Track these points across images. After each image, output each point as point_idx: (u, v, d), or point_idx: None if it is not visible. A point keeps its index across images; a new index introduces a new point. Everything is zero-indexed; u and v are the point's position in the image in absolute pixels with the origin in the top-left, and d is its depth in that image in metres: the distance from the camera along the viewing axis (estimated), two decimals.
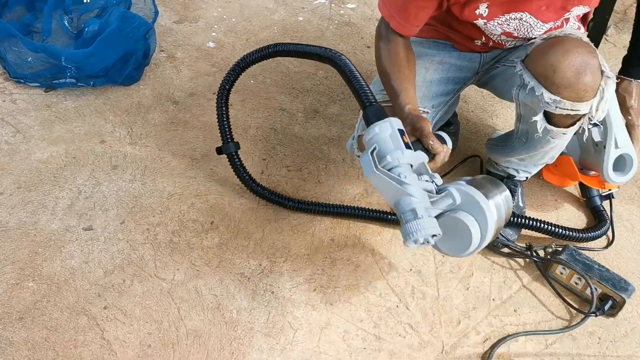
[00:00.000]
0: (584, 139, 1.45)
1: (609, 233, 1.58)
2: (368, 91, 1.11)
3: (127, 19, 1.84)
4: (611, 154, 1.43)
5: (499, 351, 1.31)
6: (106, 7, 1.92)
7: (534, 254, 1.47)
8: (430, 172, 1.09)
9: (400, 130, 1.06)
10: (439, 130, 1.69)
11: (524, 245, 1.49)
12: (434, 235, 1.01)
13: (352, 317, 1.35)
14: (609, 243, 1.57)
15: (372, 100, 1.11)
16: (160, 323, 1.31)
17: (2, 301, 1.31)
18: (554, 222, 1.51)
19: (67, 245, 1.44)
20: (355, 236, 1.53)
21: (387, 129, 1.06)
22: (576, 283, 1.42)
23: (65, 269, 1.39)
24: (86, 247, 1.44)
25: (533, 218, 1.49)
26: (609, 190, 1.61)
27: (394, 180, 1.02)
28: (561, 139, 1.31)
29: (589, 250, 1.54)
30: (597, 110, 1.24)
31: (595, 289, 1.39)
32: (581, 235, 1.50)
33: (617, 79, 1.45)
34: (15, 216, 1.49)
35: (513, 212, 1.52)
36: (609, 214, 1.60)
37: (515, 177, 1.56)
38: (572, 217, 1.64)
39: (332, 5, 2.39)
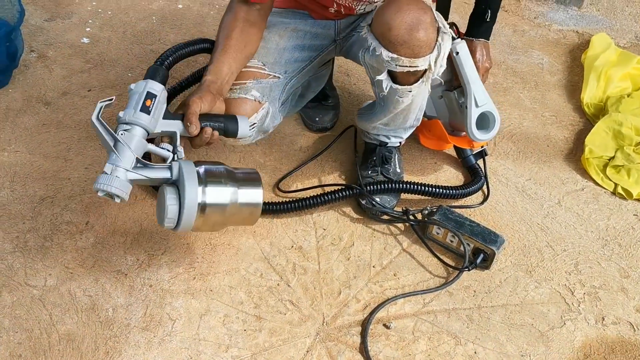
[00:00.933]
0: (444, 100, 1.51)
1: (484, 189, 1.64)
2: (165, 54, 1.24)
3: None
4: (472, 113, 1.48)
5: (378, 316, 1.34)
6: None
7: (411, 217, 1.50)
8: (178, 144, 1.17)
9: (148, 94, 1.14)
10: (318, 102, 1.72)
11: (401, 210, 1.52)
12: (117, 196, 1.12)
13: (232, 301, 1.35)
14: (485, 198, 1.62)
15: (159, 61, 1.22)
16: (31, 331, 1.26)
17: None
18: (428, 183, 1.54)
19: None
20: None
21: (140, 88, 1.15)
22: (451, 241, 1.46)
23: None
24: None
25: (406, 181, 1.52)
26: (480, 148, 1.66)
27: (107, 133, 1.11)
28: (408, 97, 1.34)
29: (467, 207, 1.59)
30: (435, 65, 1.27)
31: (468, 244, 1.43)
32: (455, 192, 1.54)
33: (462, 37, 1.51)
34: None
35: (389, 178, 1.55)
36: (484, 171, 1.65)
37: (387, 143, 1.59)
38: (451, 177, 1.69)
39: None
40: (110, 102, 1.16)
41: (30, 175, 1.58)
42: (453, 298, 1.39)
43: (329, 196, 1.49)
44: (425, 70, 1.29)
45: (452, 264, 1.45)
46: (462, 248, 1.43)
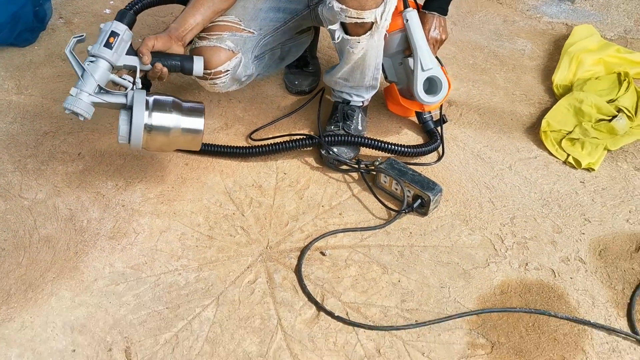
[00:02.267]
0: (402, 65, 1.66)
1: (440, 150, 1.76)
2: (136, 0, 1.43)
3: None
4: (419, 76, 1.61)
5: (317, 244, 1.49)
6: None
7: (362, 167, 1.65)
8: (137, 77, 1.38)
9: (112, 32, 1.36)
10: (299, 69, 1.91)
11: (354, 160, 1.67)
12: (80, 115, 1.34)
13: (190, 223, 1.53)
14: (439, 158, 1.75)
15: (129, 6, 1.42)
16: (16, 232, 1.48)
17: None
18: (381, 139, 1.69)
19: None
20: (208, 160, 1.70)
21: (107, 27, 1.37)
22: (395, 189, 1.60)
23: None
24: None
25: (361, 135, 1.67)
26: (430, 112, 1.79)
27: (76, 63, 1.35)
28: (358, 48, 1.49)
29: (422, 165, 1.72)
30: (381, 19, 1.42)
31: (409, 191, 1.56)
32: (406, 149, 1.68)
33: (419, 9, 1.65)
34: None
35: (349, 133, 1.70)
36: (440, 135, 1.78)
37: (350, 101, 1.74)
38: (411, 140, 1.82)
39: None
40: (81, 37, 1.39)
41: (39, 114, 1.82)
42: (389, 236, 1.53)
43: (289, 143, 1.65)
44: (373, 24, 1.44)
45: (393, 207, 1.58)
46: (403, 194, 1.57)
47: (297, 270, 1.42)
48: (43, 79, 1.97)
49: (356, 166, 1.65)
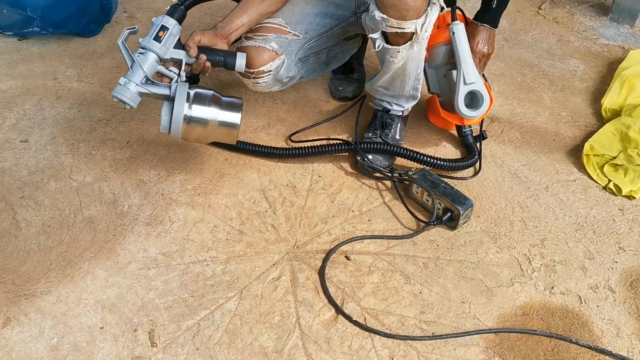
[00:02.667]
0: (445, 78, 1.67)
1: (477, 166, 1.76)
2: None
3: None
4: (461, 90, 1.62)
5: (343, 248, 1.52)
6: None
7: (395, 175, 1.67)
8: (182, 69, 1.44)
9: (162, 27, 1.43)
10: (345, 75, 1.94)
11: (388, 169, 1.69)
12: (126, 103, 1.42)
13: (224, 216, 1.58)
14: (475, 173, 1.74)
15: (181, 1, 1.48)
16: (63, 211, 1.57)
17: None
18: (417, 150, 1.70)
19: (4, 152, 1.73)
20: (247, 157, 1.76)
21: (158, 21, 1.44)
22: (427, 200, 1.61)
23: None
24: (19, 154, 1.73)
25: (397, 145, 1.69)
26: (470, 126, 1.79)
27: (127, 54, 1.42)
28: (398, 58, 1.51)
29: (459, 179, 1.72)
30: (421, 30, 1.44)
31: (439, 203, 1.57)
32: (440, 162, 1.68)
33: (468, 22, 1.65)
34: None
35: (386, 141, 1.72)
36: (479, 150, 1.77)
37: (390, 110, 1.76)
38: (449, 153, 1.82)
39: None
40: (133, 30, 1.46)
41: (95, 101, 1.93)
42: (416, 247, 1.54)
43: (325, 147, 1.69)
44: (413, 34, 1.46)
45: (423, 219, 1.59)
46: (433, 205, 1.58)
47: (321, 272, 1.46)
48: (102, 69, 2.07)
49: (389, 174, 1.67)
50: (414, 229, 1.58)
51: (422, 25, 1.44)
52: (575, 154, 1.83)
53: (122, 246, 1.49)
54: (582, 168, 1.78)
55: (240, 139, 1.74)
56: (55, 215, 1.56)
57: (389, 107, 1.76)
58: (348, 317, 1.37)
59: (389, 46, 1.50)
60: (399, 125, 1.78)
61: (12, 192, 1.61)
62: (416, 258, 1.51)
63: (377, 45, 1.51)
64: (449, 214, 1.55)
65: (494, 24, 1.68)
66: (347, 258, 1.50)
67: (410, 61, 1.55)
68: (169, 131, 1.44)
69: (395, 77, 1.61)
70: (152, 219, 1.56)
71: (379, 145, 1.68)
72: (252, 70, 1.58)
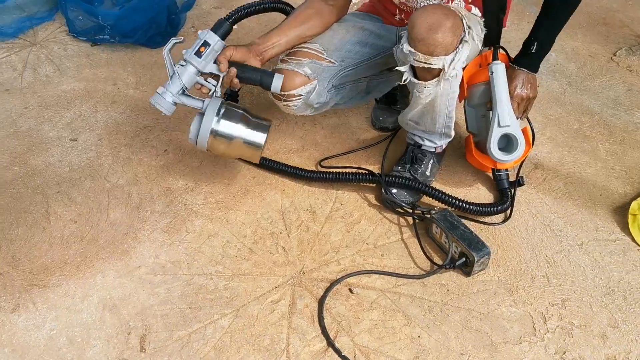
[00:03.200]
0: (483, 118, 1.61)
1: (508, 212, 1.67)
2: (234, 11, 1.56)
3: None
4: (494, 132, 1.55)
5: (349, 280, 1.49)
6: None
7: (416, 212, 1.62)
8: (219, 83, 1.48)
9: (205, 42, 1.46)
10: (387, 105, 1.93)
11: (411, 205, 1.65)
12: (161, 112, 1.48)
13: (238, 233, 1.60)
14: (505, 219, 1.66)
15: (228, 16, 1.54)
16: (91, 209, 1.65)
17: None
18: (441, 190, 1.64)
19: (52, 148, 1.85)
20: (274, 178, 1.77)
21: (202, 36, 1.48)
22: (445, 242, 1.54)
23: (43, 162, 1.79)
24: (65, 151, 1.84)
25: (420, 181, 1.64)
26: (506, 170, 1.72)
27: (169, 64, 1.46)
28: (424, 93, 1.48)
29: (487, 224, 1.64)
30: (449, 67, 1.40)
31: (456, 247, 1.50)
32: (464, 205, 1.61)
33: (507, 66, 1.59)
34: (28, 124, 1.94)
35: (411, 177, 1.68)
36: (512, 196, 1.69)
37: (421, 145, 1.72)
38: (481, 196, 1.75)
39: None
40: (180, 40, 1.51)
41: (144, 109, 2.02)
42: (425, 289, 1.48)
43: (347, 175, 1.67)
44: (440, 70, 1.42)
45: (440, 262, 1.53)
46: (450, 248, 1.51)
47: (321, 301, 1.43)
48: (159, 79, 2.17)
49: (410, 211, 1.62)
50: (426, 270, 1.52)
51: (451, 62, 1.40)
52: (622, 212, 1.70)
53: (136, 250, 1.54)
54: (625, 228, 1.64)
55: (272, 158, 1.76)
56: (84, 212, 1.64)
57: (421, 142, 1.72)
58: (337, 351, 1.33)
59: (416, 81, 1.47)
60: (431, 161, 1.73)
61: (50, 186, 1.71)
62: (422, 300, 1.45)
63: (404, 78, 1.48)
64: (464, 259, 1.48)
65: (533, 68, 1.60)
66: (351, 291, 1.47)
67: (439, 98, 1.51)
68: (196, 142, 1.49)
69: (425, 112, 1.57)
70: (170, 227, 1.61)
71: (401, 180, 1.64)
72: (283, 93, 1.60)
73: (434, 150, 1.73)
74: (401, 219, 1.66)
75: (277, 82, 1.53)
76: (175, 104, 1.50)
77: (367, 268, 1.52)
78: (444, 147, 1.75)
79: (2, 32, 2.30)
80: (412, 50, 1.40)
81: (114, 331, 1.35)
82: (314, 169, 1.81)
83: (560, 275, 1.52)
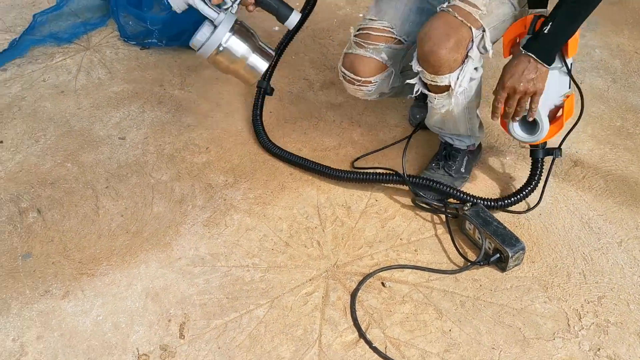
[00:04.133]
0: None
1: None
2: None
3: None
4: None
5: (381, 274, 1.51)
6: None
7: (449, 209, 1.63)
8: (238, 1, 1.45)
9: None
10: (425, 103, 1.92)
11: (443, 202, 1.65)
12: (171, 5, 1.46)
13: (274, 227, 1.65)
14: (536, 204, 1.65)
15: None
16: (137, 203, 1.73)
17: (47, 172, 1.84)
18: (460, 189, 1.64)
19: (102, 146, 1.95)
20: (313, 175, 1.81)
21: None
22: (479, 238, 1.55)
23: (94, 159, 1.89)
24: (114, 149, 1.93)
25: (441, 182, 1.64)
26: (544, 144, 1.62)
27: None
28: (434, 104, 1.50)
29: (517, 213, 1.64)
30: (456, 84, 1.41)
31: (490, 243, 1.51)
32: (484, 202, 1.63)
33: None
34: (81, 123, 2.04)
35: (449, 174, 1.68)
36: (541, 175, 1.64)
37: (453, 144, 1.72)
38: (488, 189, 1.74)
39: None
40: None
41: (188, 108, 2.10)
42: (457, 284, 1.49)
43: (369, 176, 1.70)
44: (448, 86, 1.43)
45: (473, 258, 1.53)
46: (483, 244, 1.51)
47: (353, 294, 1.46)
48: (203, 80, 2.25)
49: (442, 209, 1.63)
50: (460, 266, 1.53)
51: (457, 79, 1.41)
52: None
53: (177, 242, 1.61)
54: None
55: (307, 156, 1.80)
56: (130, 206, 1.72)
57: (451, 142, 1.73)
58: (369, 343, 1.36)
59: (428, 92, 1.49)
60: (465, 158, 1.73)
61: (100, 181, 1.81)
62: (454, 295, 1.46)
63: (415, 90, 1.50)
64: (498, 255, 1.48)
65: (543, 56, 1.38)
66: (383, 284, 1.49)
67: (456, 108, 1.52)
68: (199, 49, 1.48)
69: (445, 120, 1.59)
70: (210, 221, 1.67)
71: (422, 181, 1.63)
72: (359, 79, 1.58)
73: (465, 148, 1.74)
74: (435, 216, 1.67)
75: (293, 18, 1.48)
76: (189, 5, 1.48)
77: (401, 263, 1.54)
78: (476, 144, 1.75)
79: (58, 37, 2.43)
80: (421, 69, 1.43)
81: (156, 318, 1.42)
82: (347, 168, 1.84)
83: (598, 273, 1.50)
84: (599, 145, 1.90)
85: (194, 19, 2.33)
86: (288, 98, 2.14)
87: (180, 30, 2.34)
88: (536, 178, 1.65)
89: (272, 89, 1.89)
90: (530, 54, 1.39)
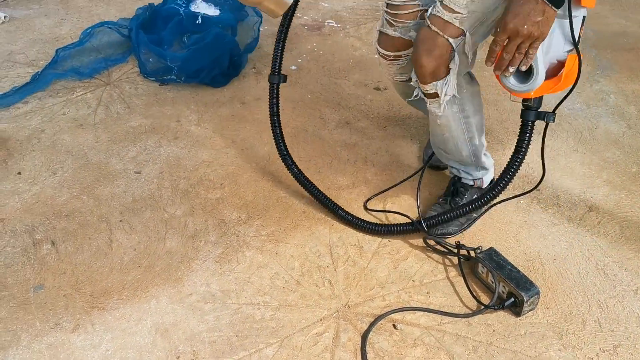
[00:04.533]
0: None
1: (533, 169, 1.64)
2: None
3: (219, 37, 2.40)
4: None
5: (393, 316, 1.50)
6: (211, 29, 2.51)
7: (462, 252, 1.61)
8: None
9: None
10: None
11: (456, 244, 1.64)
12: None
13: (286, 265, 1.64)
14: (537, 183, 1.54)
15: None
16: (150, 238, 1.74)
17: (63, 204, 1.86)
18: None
19: (118, 180, 1.97)
20: (324, 212, 1.81)
21: None
22: (492, 281, 1.53)
23: (109, 193, 1.91)
24: (130, 183, 1.95)
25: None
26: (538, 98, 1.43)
27: None
28: (430, 108, 1.55)
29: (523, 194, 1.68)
30: (443, 92, 1.48)
31: (503, 287, 1.49)
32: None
33: None
34: (98, 157, 2.07)
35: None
36: (527, 144, 1.46)
37: (461, 178, 1.73)
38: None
39: None
40: None
41: (204, 144, 2.13)
42: (470, 328, 1.47)
43: (380, 227, 1.71)
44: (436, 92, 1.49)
45: (487, 302, 1.51)
46: (499, 289, 1.50)
47: (364, 336, 1.45)
48: (219, 117, 2.28)
49: (455, 250, 1.62)
50: (473, 310, 1.51)
51: (443, 87, 1.46)
52: None
53: (189, 278, 1.61)
54: None
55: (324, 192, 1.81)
56: (143, 240, 1.73)
57: (459, 175, 1.73)
58: None
59: (423, 96, 1.55)
60: (474, 196, 1.73)
61: (114, 215, 1.82)
62: (467, 339, 1.44)
63: (414, 94, 1.57)
64: (512, 299, 1.46)
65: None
66: (394, 327, 1.47)
67: (452, 122, 1.55)
68: None
69: (446, 139, 1.62)
70: (222, 257, 1.67)
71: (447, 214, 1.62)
72: (389, 54, 1.62)
73: (473, 183, 1.73)
74: (446, 259, 1.66)
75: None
76: None
77: (413, 305, 1.53)
78: (484, 181, 1.74)
79: (79, 72, 2.49)
80: (414, 75, 1.51)
81: (164, 354, 1.41)
82: (360, 207, 1.84)
83: (613, 321, 1.47)
84: (615, 190, 1.89)
85: (212, 58, 2.41)
86: (303, 136, 2.17)
87: (199, 68, 2.39)
88: (523, 149, 1.46)
89: (285, 77, 1.86)
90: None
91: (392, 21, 1.59)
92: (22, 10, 3.05)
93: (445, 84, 1.46)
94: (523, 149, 1.46)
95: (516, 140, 1.47)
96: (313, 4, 3.14)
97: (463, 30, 1.41)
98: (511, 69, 1.32)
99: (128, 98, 2.40)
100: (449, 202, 1.72)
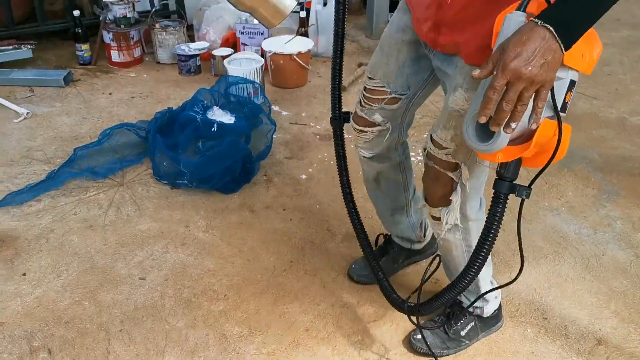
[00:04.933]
0: None
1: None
2: None
3: (233, 145, 2.47)
4: (472, 106, 1.16)
5: None
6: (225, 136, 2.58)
7: None
8: None
9: None
10: None
11: None
12: None
13: None
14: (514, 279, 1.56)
15: None
16: (148, 351, 1.71)
17: (64, 309, 1.85)
18: None
19: (122, 285, 1.96)
20: (327, 331, 1.79)
21: None
22: None
23: (112, 299, 1.90)
24: (133, 289, 1.94)
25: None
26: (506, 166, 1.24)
27: None
28: (437, 233, 1.59)
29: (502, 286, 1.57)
30: (444, 221, 1.51)
31: None
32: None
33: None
34: (104, 260, 2.08)
35: (448, 336, 1.65)
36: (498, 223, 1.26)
37: (461, 303, 1.72)
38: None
39: None
40: None
41: (211, 252, 2.13)
42: None
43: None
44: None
45: None
46: None
47: None
48: (228, 224, 2.30)
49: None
50: None
51: (445, 215, 1.49)
52: None
53: None
54: None
55: (325, 312, 1.79)
56: (141, 353, 1.70)
57: (460, 299, 1.71)
58: None
59: (433, 221, 1.58)
60: (471, 324, 1.71)
61: (114, 323, 1.80)
62: None
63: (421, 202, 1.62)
64: None
65: (564, 29, 1.00)
66: None
67: (454, 248, 1.56)
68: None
69: (446, 261, 1.65)
70: None
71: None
72: (356, 127, 1.67)
73: (472, 310, 1.71)
74: None
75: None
76: None
77: None
78: (485, 312, 1.72)
79: (95, 172, 2.55)
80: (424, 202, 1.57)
81: None
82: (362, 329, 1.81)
83: None
84: (623, 323, 1.85)
85: (225, 165, 2.46)
86: (309, 248, 2.17)
87: (210, 174, 2.44)
88: (494, 225, 1.26)
89: (348, 114, 1.73)
90: (548, 26, 0.99)
91: (363, 102, 1.64)
92: (45, 107, 3.17)
93: (447, 212, 1.48)
94: (494, 227, 1.26)
95: (486, 217, 1.27)
96: (326, 114, 3.24)
97: (456, 162, 1.41)
98: (513, 125, 1.06)
99: (139, 200, 2.44)
100: (443, 322, 1.72)
